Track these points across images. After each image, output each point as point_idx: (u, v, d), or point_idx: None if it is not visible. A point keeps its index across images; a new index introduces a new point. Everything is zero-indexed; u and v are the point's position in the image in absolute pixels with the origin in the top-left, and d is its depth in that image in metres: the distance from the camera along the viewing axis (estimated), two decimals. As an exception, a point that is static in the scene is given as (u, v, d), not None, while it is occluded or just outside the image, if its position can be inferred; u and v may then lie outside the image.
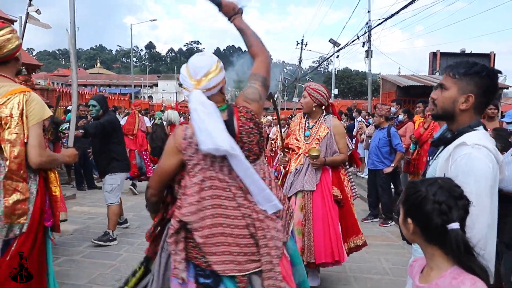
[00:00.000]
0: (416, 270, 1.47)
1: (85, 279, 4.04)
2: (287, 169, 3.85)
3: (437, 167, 1.73)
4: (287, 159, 3.88)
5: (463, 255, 1.27)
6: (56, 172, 2.68)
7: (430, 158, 2.20)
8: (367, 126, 9.37)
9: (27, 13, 12.07)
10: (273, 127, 12.16)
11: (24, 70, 2.58)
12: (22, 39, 11.51)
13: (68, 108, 10.92)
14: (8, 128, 2.24)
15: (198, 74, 1.94)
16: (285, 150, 3.96)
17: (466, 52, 25.32)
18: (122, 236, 5.49)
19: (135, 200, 7.90)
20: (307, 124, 3.84)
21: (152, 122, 10.74)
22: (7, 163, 2.24)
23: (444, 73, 1.87)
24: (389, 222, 6.38)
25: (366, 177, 8.16)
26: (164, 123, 9.45)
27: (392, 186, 6.73)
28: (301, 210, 3.57)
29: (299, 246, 3.38)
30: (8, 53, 2.38)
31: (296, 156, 3.80)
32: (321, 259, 3.44)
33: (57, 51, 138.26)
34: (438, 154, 1.82)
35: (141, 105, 14.50)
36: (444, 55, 23.86)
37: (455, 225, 1.28)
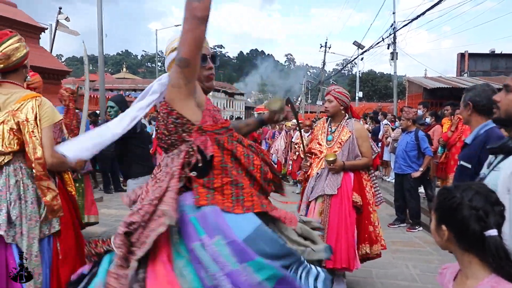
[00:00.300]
0: (448, 278, 1.43)
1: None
2: (308, 173, 3.81)
3: (499, 179, 1.55)
4: (308, 163, 3.86)
5: (503, 262, 1.22)
6: (70, 173, 2.82)
7: (475, 164, 2.12)
8: (393, 130, 9.21)
9: (57, 20, 12.44)
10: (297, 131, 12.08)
11: (29, 77, 2.63)
12: (52, 46, 11.86)
13: (95, 112, 11.15)
14: (27, 132, 2.35)
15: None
16: (308, 155, 3.93)
17: (495, 52, 24.68)
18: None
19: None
20: (329, 128, 3.82)
21: None
22: (33, 165, 2.34)
23: None
24: (417, 227, 6.24)
25: (393, 181, 8.03)
26: None
27: (421, 191, 6.60)
28: (319, 215, 3.54)
29: None
30: (17, 62, 2.46)
31: (318, 160, 3.77)
32: (330, 264, 3.37)
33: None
34: (496, 164, 1.67)
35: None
36: (472, 56, 23.34)
37: (493, 232, 1.23)
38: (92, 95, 13.53)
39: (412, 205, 6.34)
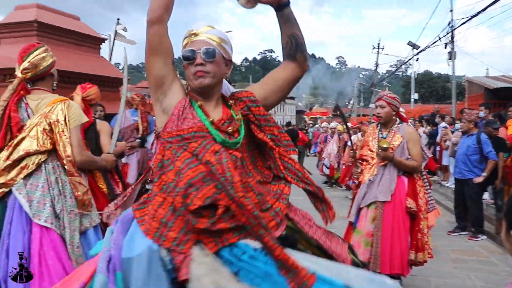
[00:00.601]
0: None
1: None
2: (360, 179, 3.78)
3: None
4: (359, 170, 3.82)
5: None
6: (100, 172, 2.99)
7: None
8: (452, 133, 8.80)
9: (115, 31, 13.04)
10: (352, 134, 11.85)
11: (55, 85, 2.81)
12: (111, 55, 12.41)
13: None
14: (58, 132, 2.54)
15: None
16: (359, 161, 3.89)
17: None
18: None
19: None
20: (380, 134, 3.78)
21: None
22: (64, 162, 2.55)
23: None
24: (480, 236, 5.90)
25: (452, 186, 7.68)
26: None
27: (484, 197, 6.26)
28: (372, 222, 3.51)
29: (365, 257, 3.38)
30: (43, 70, 2.64)
31: (370, 166, 3.72)
32: (386, 270, 3.35)
33: (140, 65, 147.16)
34: None
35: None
36: (539, 53, 21.83)
37: None
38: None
39: (474, 212, 6.01)
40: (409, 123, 3.81)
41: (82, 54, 8.32)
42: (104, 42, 9.49)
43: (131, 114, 5.83)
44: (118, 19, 12.57)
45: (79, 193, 2.55)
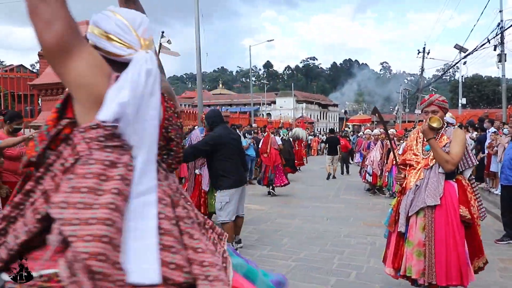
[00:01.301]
0: None
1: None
2: (403, 185, 3.64)
3: None
4: (403, 175, 3.68)
5: None
6: None
7: None
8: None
9: (160, 43, 13.59)
10: (403, 142, 11.61)
11: None
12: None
13: (195, 126, 11.91)
14: None
15: (145, 33, 1.39)
16: (401, 166, 3.76)
17: None
18: (243, 248, 5.77)
19: (255, 214, 8.26)
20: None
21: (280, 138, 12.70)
22: None
23: None
24: (529, 244, 5.68)
25: (500, 193, 7.40)
26: (290, 139, 11.99)
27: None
28: (422, 230, 3.33)
29: (420, 268, 3.26)
30: None
31: (416, 171, 3.56)
32: (442, 282, 3.20)
33: (184, 75, 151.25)
34: None
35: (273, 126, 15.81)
36: None
37: None
38: (191, 111, 14.45)
39: (523, 220, 5.79)
40: (458, 129, 3.64)
41: (129, 67, 8.78)
42: (149, 55, 9.91)
43: (200, 132, 6.68)
44: (163, 32, 13.07)
45: None
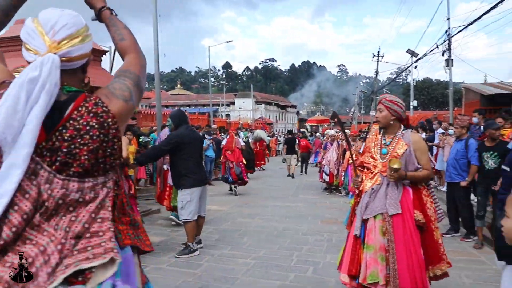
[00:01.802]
0: None
1: (171, 286, 4.42)
2: (360, 188, 3.57)
3: None
4: (359, 179, 3.60)
5: None
6: None
7: (503, 167, 2.19)
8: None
9: (117, 43, 13.24)
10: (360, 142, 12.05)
11: None
12: (112, 66, 12.69)
13: (152, 128, 11.82)
14: None
15: (58, 33, 1.40)
16: (359, 168, 3.71)
17: (562, 54, 23.20)
18: (203, 247, 5.86)
19: (215, 214, 8.35)
20: (383, 141, 3.51)
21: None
22: None
23: None
24: (471, 236, 6.11)
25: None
26: (250, 140, 12.87)
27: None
28: (383, 235, 3.23)
29: (384, 274, 3.13)
30: None
31: (372, 175, 3.49)
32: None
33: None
34: None
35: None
36: (536, 59, 22.06)
37: None
38: (149, 112, 14.30)
39: (465, 215, 6.23)
40: (414, 132, 3.56)
41: (85, 66, 8.60)
42: (105, 54, 9.75)
43: (168, 131, 6.81)
44: (120, 31, 12.85)
45: None
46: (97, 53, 9.40)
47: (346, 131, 15.72)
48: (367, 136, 3.75)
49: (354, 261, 3.32)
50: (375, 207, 3.31)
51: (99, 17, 1.74)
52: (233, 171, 10.89)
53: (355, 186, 3.64)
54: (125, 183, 3.53)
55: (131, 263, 1.48)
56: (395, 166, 3.18)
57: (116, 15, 1.75)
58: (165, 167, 7.00)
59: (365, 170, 3.61)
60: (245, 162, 11.53)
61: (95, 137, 1.36)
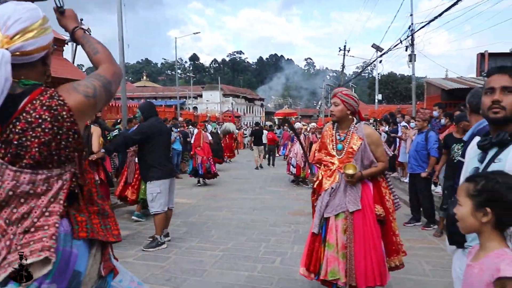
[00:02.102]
0: (472, 254, 1.61)
1: (139, 279, 4.38)
2: (315, 186, 3.56)
3: (504, 169, 1.68)
4: (315, 178, 3.57)
5: None
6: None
7: (459, 158, 2.27)
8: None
9: (80, 33, 12.88)
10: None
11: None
12: (74, 56, 12.37)
13: (117, 120, 11.58)
14: None
15: (11, 27, 1.42)
16: (317, 165, 3.68)
17: (517, 51, 24.25)
18: (171, 240, 5.84)
19: (183, 207, 8.31)
20: (337, 136, 3.47)
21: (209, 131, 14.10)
22: None
23: (500, 73, 1.84)
24: (431, 225, 6.36)
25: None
26: (219, 131, 13.82)
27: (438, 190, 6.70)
28: (344, 233, 3.26)
29: (343, 269, 3.19)
30: None
31: (330, 172, 3.44)
32: (362, 284, 3.16)
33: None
34: (494, 157, 1.81)
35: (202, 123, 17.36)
36: (492, 55, 22.99)
37: None
38: (114, 104, 13.99)
39: (426, 204, 6.47)
40: (367, 122, 3.74)
41: (46, 57, 8.31)
42: (67, 44, 9.47)
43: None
44: (81, 20, 12.46)
45: None
46: (59, 43, 9.11)
47: (313, 124, 15.92)
48: (322, 132, 3.75)
49: (310, 257, 3.39)
50: (335, 206, 3.31)
51: (73, 37, 1.83)
52: (204, 165, 11.27)
53: (311, 185, 3.63)
54: (95, 173, 3.57)
55: (80, 257, 1.48)
56: (350, 171, 3.22)
57: (90, 33, 1.86)
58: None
59: (323, 167, 3.55)
60: (212, 154, 11.90)
61: (47, 130, 1.38)
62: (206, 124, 17.42)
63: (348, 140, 3.38)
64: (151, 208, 5.51)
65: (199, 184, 11.65)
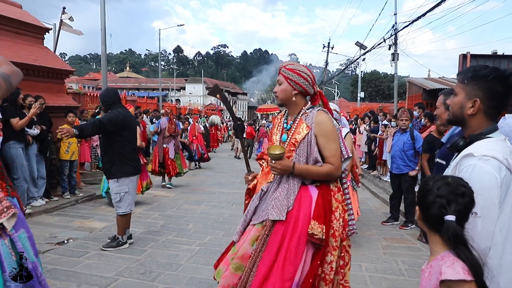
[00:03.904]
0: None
1: (113, 272, 4.29)
2: (250, 186, 2.88)
3: (448, 174, 1.73)
4: (250, 177, 2.88)
5: (454, 244, 1.43)
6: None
7: (448, 161, 2.25)
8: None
9: (61, 20, 12.65)
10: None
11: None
12: (56, 45, 12.08)
13: (96, 111, 11.36)
14: None
15: None
16: (260, 162, 3.05)
17: (498, 54, 24.67)
18: (148, 233, 5.75)
19: (161, 200, 8.19)
20: (284, 124, 2.65)
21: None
22: None
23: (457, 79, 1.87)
24: (409, 225, 6.40)
25: (389, 180, 8.18)
26: (207, 124, 18.38)
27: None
28: (253, 243, 2.47)
29: (231, 283, 2.43)
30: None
31: (266, 171, 2.79)
32: None
33: (88, 56, 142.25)
34: (452, 161, 1.83)
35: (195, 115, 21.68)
36: (474, 57, 23.28)
37: (450, 217, 1.44)
38: (95, 94, 13.72)
39: (408, 202, 6.48)
40: (323, 111, 2.56)
41: (23, 44, 8.06)
42: (48, 32, 9.20)
43: (167, 120, 9.69)
44: (64, 8, 12.21)
45: None
46: (40, 31, 8.85)
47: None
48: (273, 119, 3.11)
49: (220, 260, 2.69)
50: (262, 212, 2.52)
51: None
52: (199, 152, 13.52)
53: (246, 184, 2.91)
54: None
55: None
56: (276, 152, 2.38)
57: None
58: (164, 145, 9.46)
59: (264, 164, 2.89)
60: (204, 143, 14.51)
61: None
62: (199, 118, 19.80)
63: (293, 130, 2.54)
64: (117, 208, 5.03)
65: (196, 167, 13.86)
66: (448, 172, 1.78)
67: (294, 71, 2.53)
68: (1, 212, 1.72)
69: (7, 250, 1.71)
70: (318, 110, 2.55)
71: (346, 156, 2.52)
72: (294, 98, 2.55)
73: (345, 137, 5.15)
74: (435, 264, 1.48)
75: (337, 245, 2.37)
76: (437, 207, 1.47)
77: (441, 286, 1.41)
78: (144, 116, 13.39)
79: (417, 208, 1.57)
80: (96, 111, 10.84)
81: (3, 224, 1.71)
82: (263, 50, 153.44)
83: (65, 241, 5.27)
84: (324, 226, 2.33)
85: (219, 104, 40.59)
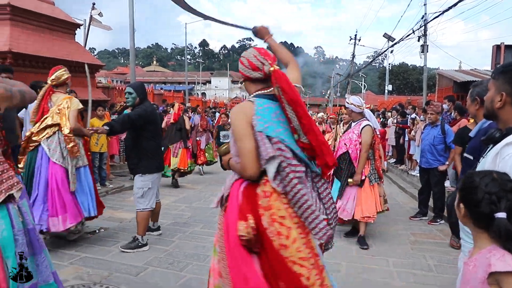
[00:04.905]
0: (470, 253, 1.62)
1: (142, 261, 4.39)
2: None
3: (485, 165, 1.75)
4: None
5: (506, 242, 1.41)
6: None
7: (476, 155, 2.22)
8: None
9: (91, 16, 12.89)
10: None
11: (73, 91, 3.77)
12: (86, 40, 12.31)
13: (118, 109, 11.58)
14: (65, 114, 4.60)
15: None
16: None
17: (534, 44, 23.73)
18: (175, 225, 5.85)
19: (187, 192, 8.32)
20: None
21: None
22: (64, 129, 4.55)
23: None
24: (438, 220, 6.27)
25: (417, 174, 8.03)
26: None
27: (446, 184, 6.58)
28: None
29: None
30: (62, 81, 4.73)
31: None
32: None
33: (116, 50, 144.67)
34: (487, 153, 1.83)
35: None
36: (509, 47, 22.54)
37: (501, 214, 1.42)
38: (123, 88, 13.98)
39: (437, 198, 6.34)
40: (240, 105, 2.36)
41: (56, 39, 8.29)
42: (79, 28, 9.44)
43: (199, 117, 11.14)
44: (94, 4, 12.46)
45: (69, 146, 4.55)
46: (71, 26, 9.07)
47: (321, 114, 15.70)
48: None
49: None
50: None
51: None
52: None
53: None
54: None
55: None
56: (222, 148, 2.40)
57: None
58: (197, 138, 10.55)
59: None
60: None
61: None
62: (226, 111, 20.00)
63: None
64: (138, 204, 4.83)
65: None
66: (485, 163, 1.76)
67: (240, 60, 2.28)
68: (13, 185, 2.19)
69: (16, 213, 2.19)
70: (250, 99, 2.24)
71: (266, 158, 2.03)
72: (245, 86, 2.35)
73: (361, 130, 5.06)
74: (480, 257, 1.46)
75: (282, 244, 2.02)
76: (487, 204, 1.44)
77: (489, 278, 1.40)
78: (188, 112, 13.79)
79: (461, 205, 1.54)
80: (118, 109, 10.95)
81: (13, 195, 2.18)
82: (289, 43, 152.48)
83: (97, 231, 5.42)
84: (256, 221, 2.03)
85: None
